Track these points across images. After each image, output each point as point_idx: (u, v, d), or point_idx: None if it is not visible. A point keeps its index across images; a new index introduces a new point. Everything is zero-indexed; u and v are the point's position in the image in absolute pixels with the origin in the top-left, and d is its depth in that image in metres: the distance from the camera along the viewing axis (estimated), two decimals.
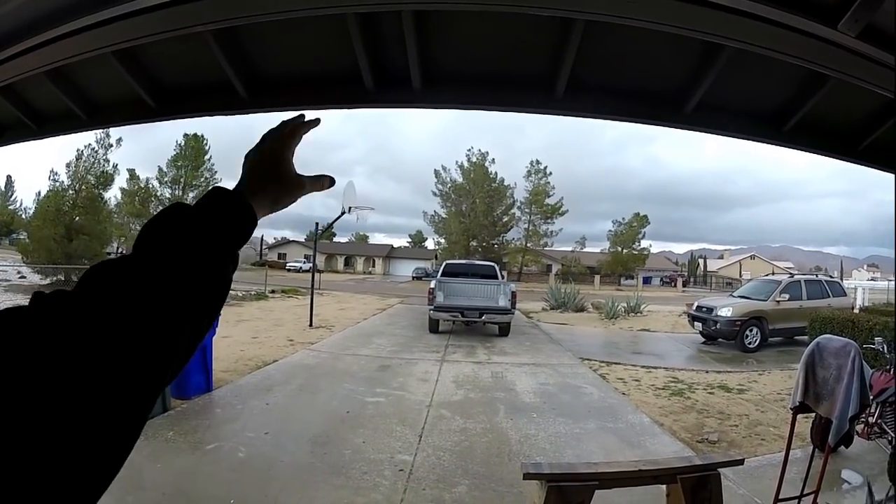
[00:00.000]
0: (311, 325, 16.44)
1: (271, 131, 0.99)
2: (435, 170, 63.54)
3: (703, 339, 16.33)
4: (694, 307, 17.29)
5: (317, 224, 21.30)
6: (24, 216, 57.39)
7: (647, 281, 63.36)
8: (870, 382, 5.16)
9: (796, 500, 4.29)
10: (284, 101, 2.47)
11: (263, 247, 78.75)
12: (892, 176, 2.23)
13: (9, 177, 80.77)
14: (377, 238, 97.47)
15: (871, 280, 59.03)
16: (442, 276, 17.88)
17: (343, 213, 19.05)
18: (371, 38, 2.07)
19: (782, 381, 10.73)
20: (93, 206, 28.89)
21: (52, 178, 28.67)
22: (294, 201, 0.97)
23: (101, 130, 26.88)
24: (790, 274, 20.08)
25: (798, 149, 2.46)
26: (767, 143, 2.41)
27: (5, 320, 0.57)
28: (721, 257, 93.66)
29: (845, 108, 2.24)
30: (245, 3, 1.74)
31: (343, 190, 19.73)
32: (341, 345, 13.45)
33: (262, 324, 16.27)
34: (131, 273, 0.66)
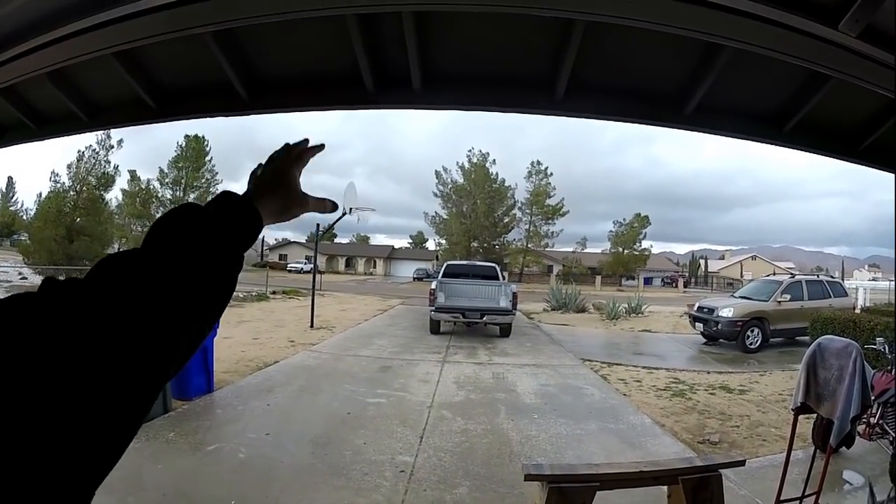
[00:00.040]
0: (312, 326, 16.43)
1: (277, 152, 1.03)
2: (436, 170, 63.68)
3: (704, 340, 16.29)
4: (695, 308, 17.24)
5: (318, 225, 21.35)
6: (25, 217, 57.54)
7: (648, 282, 63.32)
8: (871, 383, 5.16)
9: (798, 501, 4.28)
10: (285, 102, 2.47)
11: (264, 248, 78.81)
12: (893, 176, 2.23)
13: (10, 178, 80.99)
14: (378, 239, 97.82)
15: (873, 280, 59.02)
16: (443, 277, 17.84)
17: (344, 214, 19.04)
18: (371, 38, 2.07)
19: (783, 382, 10.71)
20: (94, 207, 28.97)
21: (53, 179, 28.80)
22: (297, 216, 1.00)
23: (101, 131, 26.94)
24: (791, 274, 20.06)
25: (798, 149, 2.46)
26: (768, 143, 2.41)
27: (15, 305, 0.59)
28: (722, 258, 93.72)
29: (846, 108, 2.24)
30: (245, 4, 1.74)
31: (344, 191, 19.74)
32: (342, 346, 13.44)
33: (263, 325, 16.26)
34: (142, 265, 0.68)
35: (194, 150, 50.76)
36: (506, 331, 15.91)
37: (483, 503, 5.04)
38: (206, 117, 2.70)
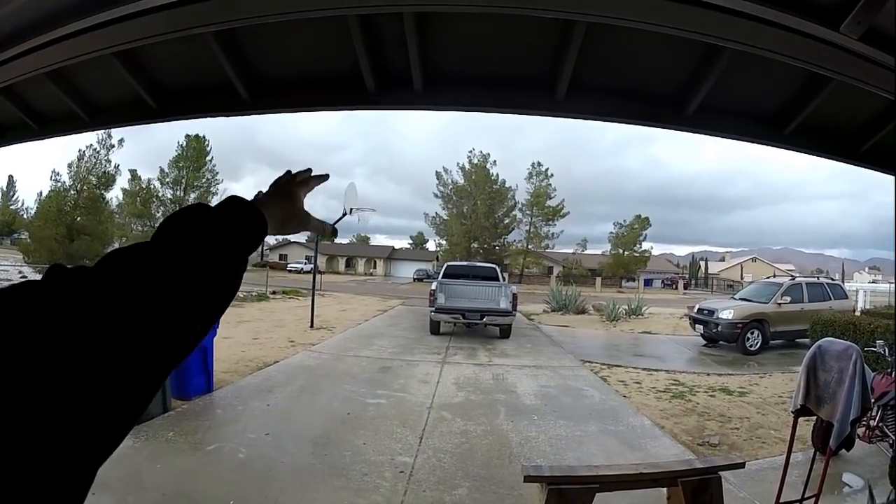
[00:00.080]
0: (312, 326, 16.44)
1: (282, 177, 1.10)
2: (436, 171, 63.61)
3: (704, 342, 16.28)
4: (695, 309, 17.24)
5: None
6: (25, 216, 57.59)
7: (648, 283, 63.33)
8: (871, 386, 5.15)
9: (797, 503, 4.28)
10: (286, 103, 2.47)
11: (265, 248, 78.76)
12: (893, 178, 2.23)
13: (10, 177, 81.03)
14: (378, 240, 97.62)
15: (873, 282, 59.01)
16: (443, 277, 17.84)
17: (344, 215, 19.02)
18: (372, 39, 2.07)
19: (783, 384, 10.72)
20: (94, 206, 28.99)
21: (53, 178, 28.82)
22: (298, 231, 1.07)
23: (102, 131, 26.96)
24: (791, 276, 20.01)
25: (799, 151, 2.46)
26: (768, 145, 2.41)
27: (22, 291, 0.60)
28: (722, 259, 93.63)
29: (846, 110, 2.24)
30: (246, 4, 1.74)
31: (344, 191, 19.73)
32: (342, 346, 13.44)
33: (263, 325, 16.26)
34: (151, 258, 0.69)
35: (195, 150, 50.80)
36: (506, 332, 15.91)
37: None
38: (206, 117, 2.70)
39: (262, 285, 27.35)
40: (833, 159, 2.47)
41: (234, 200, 0.86)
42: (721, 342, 15.66)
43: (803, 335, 14.85)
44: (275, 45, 2.21)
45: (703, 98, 2.16)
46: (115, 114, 2.70)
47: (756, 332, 15.09)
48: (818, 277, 21.44)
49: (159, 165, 51.70)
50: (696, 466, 3.66)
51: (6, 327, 0.54)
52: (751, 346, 14.97)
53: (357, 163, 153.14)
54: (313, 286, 18.52)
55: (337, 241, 74.45)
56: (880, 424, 5.87)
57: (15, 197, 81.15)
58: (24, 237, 40.76)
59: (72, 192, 28.81)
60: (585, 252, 66.55)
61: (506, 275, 30.67)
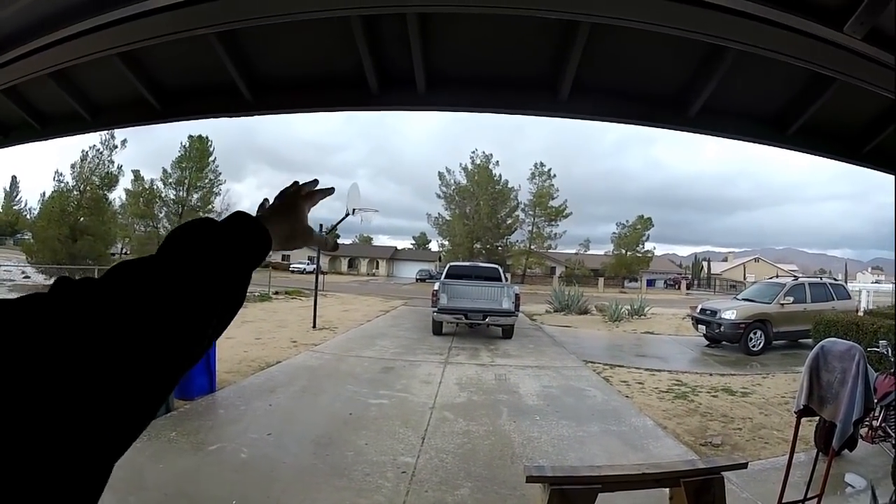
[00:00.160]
0: (314, 326, 16.45)
1: (288, 188, 1.11)
2: (439, 172, 63.55)
3: (706, 342, 16.26)
4: (698, 310, 17.21)
5: (321, 226, 21.29)
6: (28, 217, 57.71)
7: (650, 283, 63.23)
8: (874, 386, 5.13)
9: None
10: (288, 103, 2.47)
11: None
12: (895, 178, 2.23)
13: (13, 177, 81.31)
14: (381, 240, 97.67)
15: (876, 283, 58.86)
16: (446, 278, 17.84)
17: (347, 215, 19.04)
18: (375, 40, 2.08)
19: (786, 385, 10.70)
20: (97, 206, 29.00)
21: (56, 178, 28.82)
22: (301, 246, 1.07)
23: (105, 132, 27.00)
24: (794, 277, 19.96)
25: (801, 151, 2.46)
26: (771, 145, 2.40)
27: (28, 304, 0.60)
28: (725, 260, 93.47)
29: (849, 110, 2.23)
30: (249, 5, 1.74)
31: (347, 192, 19.74)
32: (345, 346, 13.45)
33: (265, 325, 16.27)
34: (157, 272, 0.70)
35: (198, 151, 50.82)
36: (508, 332, 15.91)
37: None
38: (209, 118, 2.70)
39: (264, 286, 27.35)
40: (835, 160, 2.46)
41: (239, 216, 0.87)
42: (724, 342, 15.64)
43: (806, 335, 14.85)
44: (277, 45, 2.21)
45: (706, 98, 2.16)
46: (118, 114, 2.71)
47: (759, 333, 15.06)
48: (821, 278, 21.41)
49: (162, 166, 51.82)
50: (698, 467, 3.65)
51: (14, 339, 0.55)
52: (753, 346, 14.94)
53: (359, 163, 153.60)
54: (316, 286, 18.56)
55: (340, 241, 74.56)
56: (883, 425, 5.86)
57: (18, 197, 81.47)
58: (27, 237, 40.83)
59: (75, 192, 28.83)
60: (588, 252, 66.54)
61: (508, 275, 30.64)
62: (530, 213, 62.97)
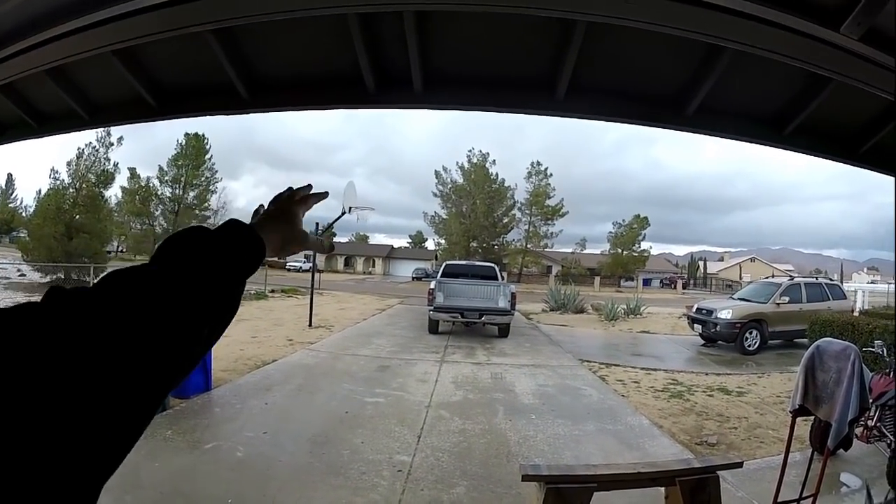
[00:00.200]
0: (310, 324, 16.43)
1: (282, 193, 1.10)
2: (435, 170, 63.53)
3: (702, 342, 16.28)
4: (694, 309, 17.24)
5: (317, 224, 21.25)
6: (24, 214, 57.54)
7: (646, 283, 63.36)
8: (869, 386, 5.16)
9: (795, 503, 4.28)
10: (285, 102, 2.47)
11: None
12: (893, 179, 2.23)
13: (9, 175, 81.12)
14: (377, 238, 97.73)
15: (871, 283, 59.12)
16: (442, 276, 17.83)
17: (343, 214, 18.97)
18: (372, 38, 2.07)
19: (782, 384, 10.73)
20: (93, 204, 28.84)
21: (52, 176, 28.65)
22: (297, 252, 1.07)
23: (101, 129, 26.89)
24: (790, 276, 20.00)
25: (799, 151, 2.47)
26: (768, 145, 2.41)
27: (20, 313, 0.60)
28: (721, 259, 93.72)
29: (846, 110, 2.24)
30: (245, 2, 1.74)
31: (343, 190, 19.70)
32: (341, 345, 13.44)
33: (261, 323, 16.25)
34: (149, 281, 0.70)
35: (194, 149, 50.71)
36: (504, 331, 15.91)
37: (480, 503, 5.04)
38: (206, 116, 2.69)
39: (260, 284, 27.31)
40: (833, 160, 2.47)
41: (233, 224, 0.86)
42: (719, 342, 15.67)
43: (802, 335, 14.87)
44: (274, 43, 2.21)
45: (703, 98, 2.16)
46: (115, 112, 2.70)
47: (754, 332, 15.10)
48: (817, 278, 21.46)
49: (158, 164, 51.67)
50: (694, 466, 3.66)
51: (6, 348, 0.54)
52: (749, 345, 14.98)
53: (357, 162, 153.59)
54: (312, 285, 18.50)
55: (336, 240, 74.61)
56: (878, 424, 5.87)
57: (14, 195, 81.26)
58: (22, 235, 40.70)
59: (71, 190, 28.66)
60: (584, 251, 66.54)
61: (504, 274, 30.63)
62: (527, 212, 63.02)
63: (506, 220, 62.86)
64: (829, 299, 16.34)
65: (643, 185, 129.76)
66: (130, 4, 1.65)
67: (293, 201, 1.08)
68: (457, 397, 8.85)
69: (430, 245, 79.32)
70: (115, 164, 30.88)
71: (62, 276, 25.04)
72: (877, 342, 6.95)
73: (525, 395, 9.21)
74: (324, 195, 1.18)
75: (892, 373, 5.98)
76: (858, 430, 5.81)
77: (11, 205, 76.42)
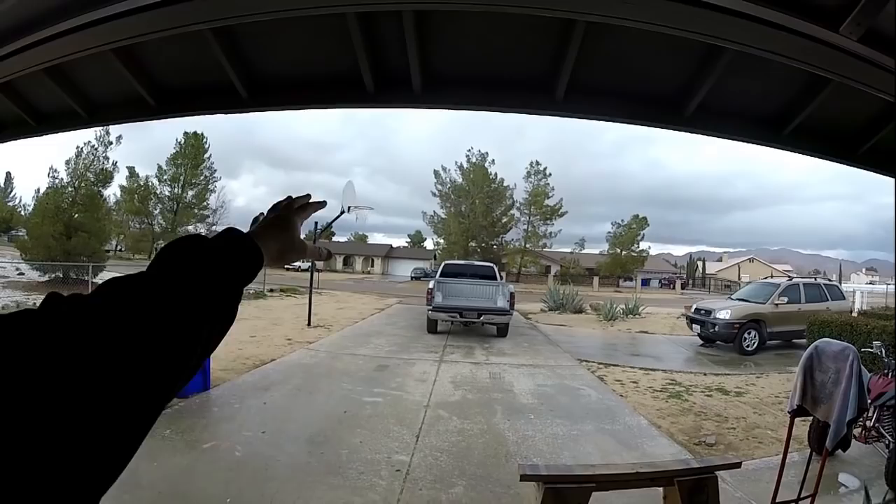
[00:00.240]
0: (309, 324, 16.42)
1: (280, 202, 1.10)
2: (434, 170, 63.52)
3: (701, 342, 16.28)
4: (692, 309, 17.25)
5: (316, 223, 21.24)
6: (23, 213, 57.42)
7: (645, 283, 63.40)
8: (868, 386, 5.16)
9: (793, 503, 4.29)
10: (284, 101, 2.47)
11: None
12: (892, 180, 2.24)
13: (8, 173, 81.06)
14: (376, 238, 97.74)
15: (870, 284, 59.17)
16: (441, 276, 17.84)
17: (342, 213, 18.95)
18: (371, 38, 2.07)
19: (780, 384, 10.73)
20: (92, 203, 28.79)
21: (51, 175, 28.59)
22: (295, 261, 1.07)
23: (100, 128, 26.85)
24: (789, 277, 20.03)
25: (798, 152, 2.47)
26: (767, 146, 2.41)
27: (18, 320, 0.59)
28: (720, 260, 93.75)
29: (846, 111, 2.24)
30: (243, 0, 1.73)
31: (342, 190, 19.70)
32: (339, 344, 13.43)
33: (260, 323, 16.22)
34: (146, 290, 0.69)
35: (193, 148, 50.73)
36: (503, 331, 15.91)
37: (479, 503, 5.04)
38: (205, 115, 2.69)
39: (259, 283, 27.29)
40: (832, 160, 2.47)
41: (230, 233, 0.86)
42: (718, 342, 15.67)
43: (800, 336, 14.89)
44: (273, 42, 2.20)
45: (703, 98, 2.16)
46: (114, 111, 2.70)
47: (753, 333, 15.11)
48: (815, 278, 21.51)
49: (157, 163, 51.74)
50: (692, 466, 3.66)
51: (4, 357, 0.54)
52: (748, 346, 14.99)
53: (356, 162, 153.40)
54: (311, 284, 18.49)
55: (335, 239, 74.65)
56: (877, 425, 5.88)
57: (12, 194, 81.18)
58: (21, 234, 40.66)
59: (69, 189, 28.60)
60: (583, 251, 66.50)
61: (503, 274, 30.64)
62: (526, 212, 63.03)
63: (505, 219, 62.87)
64: (827, 300, 16.35)
65: (642, 185, 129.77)
66: (129, 3, 1.65)
67: (292, 210, 1.07)
68: (455, 397, 8.84)
69: (428, 245, 79.46)
70: (114, 163, 30.82)
71: (61, 275, 25.02)
72: (875, 343, 6.95)
73: (523, 395, 9.20)
74: (322, 204, 1.17)
75: (890, 373, 5.98)
76: (857, 431, 5.81)
77: (10, 203, 76.31)
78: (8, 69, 2.02)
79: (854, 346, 4.24)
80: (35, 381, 0.53)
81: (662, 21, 1.63)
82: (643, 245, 63.33)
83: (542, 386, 9.96)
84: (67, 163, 29.16)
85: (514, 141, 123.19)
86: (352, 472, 5.48)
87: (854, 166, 2.41)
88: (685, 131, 2.40)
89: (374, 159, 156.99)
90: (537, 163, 62.18)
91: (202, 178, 52.00)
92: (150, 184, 51.09)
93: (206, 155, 51.63)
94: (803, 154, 2.49)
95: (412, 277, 61.84)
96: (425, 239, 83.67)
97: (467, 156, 62.20)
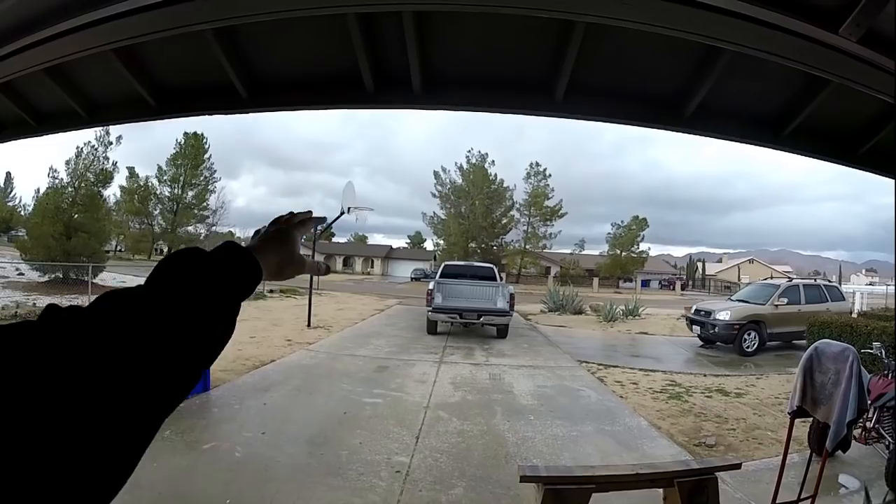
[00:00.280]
0: (309, 325, 16.41)
1: (281, 217, 1.10)
2: (434, 171, 63.61)
3: (701, 343, 16.27)
4: (692, 311, 17.24)
5: (316, 224, 21.26)
6: (23, 213, 57.44)
7: (645, 284, 63.45)
8: (868, 387, 5.16)
9: None
10: (284, 101, 2.47)
11: None
12: (892, 180, 2.24)
13: (8, 173, 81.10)
14: (376, 239, 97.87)
15: (870, 285, 59.20)
16: (440, 277, 17.83)
17: (342, 214, 18.97)
18: (371, 38, 2.07)
19: (780, 385, 10.73)
20: (92, 203, 28.76)
21: (51, 175, 28.57)
22: (293, 276, 1.05)
23: (100, 128, 26.83)
24: (789, 278, 20.02)
25: (797, 153, 2.47)
26: (767, 147, 2.41)
27: (17, 332, 0.59)
28: (720, 261, 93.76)
29: (845, 112, 2.24)
30: (244, 1, 1.74)
31: (342, 190, 19.71)
32: (339, 345, 13.42)
33: (260, 323, 16.21)
34: (144, 302, 0.69)
35: (193, 148, 50.77)
36: (503, 332, 15.90)
37: None
38: (205, 115, 2.69)
39: (260, 284, 27.21)
40: (831, 162, 2.47)
41: (229, 247, 0.86)
42: (718, 343, 15.66)
43: (800, 337, 14.89)
44: (273, 43, 2.21)
45: (702, 100, 2.17)
46: (114, 111, 2.70)
47: (753, 334, 15.11)
48: (815, 279, 21.48)
49: (157, 163, 51.80)
50: (692, 467, 3.66)
51: (2, 368, 0.54)
52: (748, 347, 14.98)
53: (356, 162, 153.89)
54: (311, 285, 18.48)
55: (335, 240, 74.66)
56: (877, 426, 5.88)
57: (12, 194, 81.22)
58: (21, 234, 40.64)
59: (69, 189, 28.57)
60: (583, 253, 66.53)
61: (503, 275, 30.64)
62: (525, 213, 63.04)
63: (504, 220, 62.91)
64: (827, 301, 16.35)
65: (642, 185, 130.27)
66: (130, 3, 1.65)
67: (292, 224, 1.07)
68: (455, 398, 8.84)
69: (428, 246, 79.50)
70: (114, 164, 30.78)
71: (60, 276, 25.01)
72: (875, 344, 6.96)
73: (523, 396, 9.20)
74: (322, 220, 1.18)
75: (890, 374, 5.99)
76: (857, 432, 5.82)
77: (10, 203, 76.32)
78: (8, 69, 2.02)
79: (854, 347, 4.23)
80: (35, 392, 0.53)
81: (660, 22, 1.63)
82: (643, 246, 63.40)
83: (541, 387, 9.96)
84: (67, 163, 29.14)
85: (513, 141, 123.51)
86: (351, 473, 5.48)
87: (854, 167, 2.42)
88: (684, 132, 2.40)
89: (373, 159, 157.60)
90: (537, 164, 62.27)
91: (202, 178, 52.06)
92: (150, 184, 51.22)
93: (206, 155, 51.71)
94: (803, 155, 2.49)
95: (412, 278, 61.86)
96: (425, 240, 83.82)
97: (467, 157, 62.36)
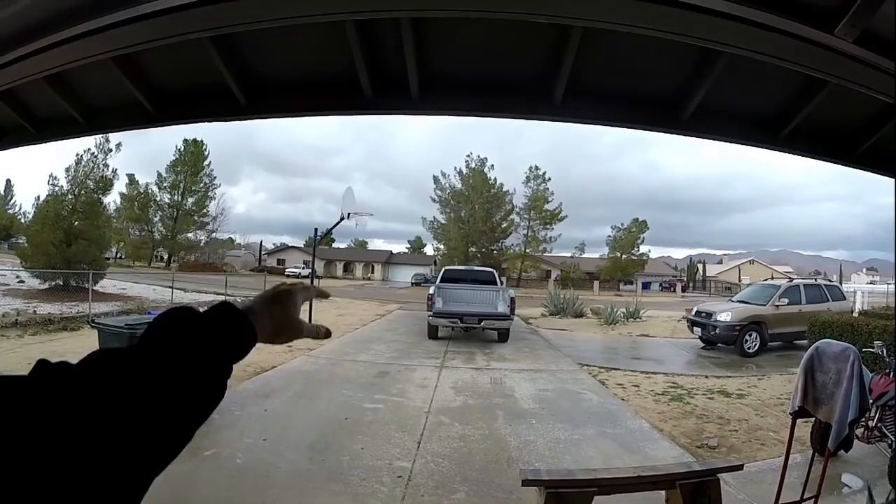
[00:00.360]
0: None
1: (284, 283, 1.10)
2: (434, 176, 63.78)
3: (702, 345, 16.25)
4: (693, 312, 17.21)
5: (315, 230, 21.24)
6: (23, 220, 57.43)
7: (646, 286, 63.49)
8: (869, 386, 5.16)
9: None
10: (283, 108, 2.48)
11: (262, 252, 78.84)
12: (892, 179, 2.24)
13: (8, 181, 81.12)
14: (376, 244, 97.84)
15: (870, 284, 59.17)
16: (441, 281, 17.84)
17: (342, 219, 18.98)
18: (369, 45, 2.08)
19: (782, 386, 10.71)
20: (92, 210, 28.73)
21: (51, 182, 28.57)
22: (289, 341, 1.02)
23: (100, 135, 26.82)
24: (789, 278, 20.02)
25: (796, 153, 2.48)
26: (765, 148, 2.42)
27: (9, 387, 0.59)
28: (720, 262, 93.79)
29: (843, 112, 2.25)
30: (244, 9, 1.74)
31: (342, 196, 19.72)
32: (340, 351, 13.39)
33: None
34: (135, 363, 0.69)
35: (192, 155, 50.86)
36: (504, 336, 15.87)
37: None
38: (204, 122, 2.70)
39: (260, 290, 27.16)
40: (830, 162, 2.48)
41: (224, 308, 0.85)
42: (719, 344, 15.65)
43: (801, 337, 14.87)
44: (272, 50, 2.21)
45: (700, 102, 2.17)
46: (114, 118, 2.71)
47: (754, 334, 15.09)
48: (816, 279, 21.49)
49: (157, 170, 51.86)
50: (694, 469, 3.65)
51: None
52: (749, 348, 14.96)
53: (355, 167, 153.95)
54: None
55: (335, 245, 74.69)
56: (879, 425, 5.87)
57: (12, 201, 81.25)
58: (21, 242, 40.62)
59: (69, 196, 28.54)
60: (583, 256, 66.61)
61: (503, 279, 30.65)
62: (525, 216, 63.10)
63: (504, 224, 62.99)
64: (828, 300, 16.34)
65: (641, 187, 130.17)
66: (129, 12, 1.66)
67: (293, 289, 1.05)
68: (456, 403, 8.83)
69: (429, 250, 79.52)
70: (114, 171, 30.77)
71: (61, 283, 24.98)
72: (876, 343, 6.95)
73: (525, 400, 9.19)
74: (326, 295, 1.22)
75: (891, 373, 5.98)
76: (859, 431, 5.81)
77: (10, 211, 76.34)
78: (8, 77, 2.03)
79: (855, 346, 4.23)
80: (25, 448, 0.53)
81: (658, 25, 1.64)
82: (643, 248, 63.53)
83: (543, 390, 9.94)
84: (67, 170, 29.14)
85: (513, 143, 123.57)
86: (353, 478, 5.47)
87: (853, 167, 2.42)
88: (683, 134, 2.40)
89: (372, 163, 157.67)
90: (536, 167, 62.51)
91: (202, 184, 52.15)
92: (149, 191, 51.26)
93: (206, 162, 51.78)
94: (802, 155, 2.49)
95: (412, 283, 61.83)
96: (425, 245, 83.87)
97: (466, 161, 62.48)
